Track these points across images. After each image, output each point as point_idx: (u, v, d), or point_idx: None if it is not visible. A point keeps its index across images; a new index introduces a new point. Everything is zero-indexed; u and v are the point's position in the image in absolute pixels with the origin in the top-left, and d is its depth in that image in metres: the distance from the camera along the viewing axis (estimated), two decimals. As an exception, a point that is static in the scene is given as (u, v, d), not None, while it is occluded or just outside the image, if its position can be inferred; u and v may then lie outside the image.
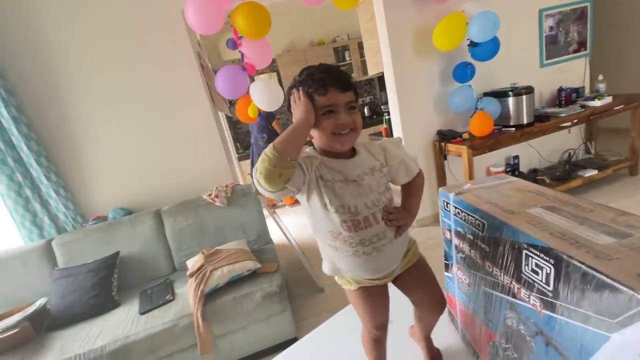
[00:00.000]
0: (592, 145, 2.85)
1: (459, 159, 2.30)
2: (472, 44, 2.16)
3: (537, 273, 0.58)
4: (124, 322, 1.53)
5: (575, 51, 2.71)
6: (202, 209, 1.99)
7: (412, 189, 0.83)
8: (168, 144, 2.17)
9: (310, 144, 0.77)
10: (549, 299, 0.56)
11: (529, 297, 0.61)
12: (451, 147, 2.29)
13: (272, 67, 4.25)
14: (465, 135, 2.29)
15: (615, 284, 0.44)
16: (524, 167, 2.76)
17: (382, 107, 4.41)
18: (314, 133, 0.70)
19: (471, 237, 0.78)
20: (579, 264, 0.49)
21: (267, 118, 3.35)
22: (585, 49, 2.73)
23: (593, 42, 2.75)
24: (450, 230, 0.89)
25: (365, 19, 2.45)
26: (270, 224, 2.28)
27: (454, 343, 0.99)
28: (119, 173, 2.14)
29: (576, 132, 2.84)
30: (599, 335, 0.48)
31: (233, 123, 4.38)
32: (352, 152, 0.74)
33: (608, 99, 2.42)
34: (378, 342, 0.83)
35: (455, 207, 0.83)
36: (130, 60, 2.02)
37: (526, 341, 0.66)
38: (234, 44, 1.95)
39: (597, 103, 2.40)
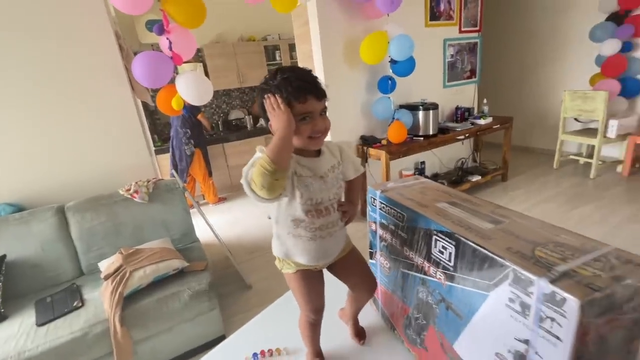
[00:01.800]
0: (478, 155, 3.49)
1: (378, 162, 2.57)
2: (393, 61, 2.44)
3: (442, 253, 0.74)
4: (16, 336, 1.30)
5: (467, 77, 3.29)
6: (118, 206, 1.80)
7: (355, 185, 0.98)
8: (78, 130, 1.90)
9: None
10: (451, 273, 0.73)
11: (436, 273, 0.78)
12: (372, 151, 2.55)
13: (198, 57, 4.02)
14: (384, 142, 2.57)
15: (492, 255, 0.61)
16: (428, 172, 3.22)
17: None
18: None
19: (393, 228, 0.93)
20: (471, 243, 0.66)
21: (192, 111, 3.17)
22: (475, 77, 3.34)
23: (481, 71, 3.38)
24: (375, 223, 1.04)
25: (298, 24, 2.54)
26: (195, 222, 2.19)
27: (374, 321, 1.14)
28: (6, 161, 1.78)
29: (467, 144, 3.43)
30: (481, 294, 0.65)
31: (149, 112, 4.00)
32: (318, 152, 0.82)
33: (490, 119, 3.01)
34: (314, 326, 0.93)
35: (381, 202, 0.97)
36: (31, 28, 1.71)
37: (432, 308, 0.83)
38: (161, 29, 1.82)
39: (482, 122, 2.95)
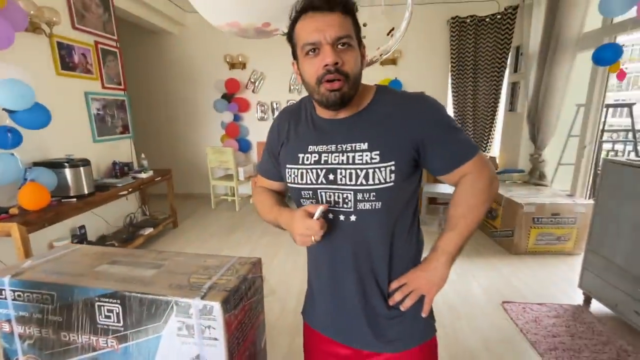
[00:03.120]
0: (147, 208, 3.50)
1: (9, 239, 1.88)
2: (9, 110, 1.92)
3: (109, 317, 0.71)
4: None
5: (121, 132, 3.25)
6: None
7: None
8: None
9: None
10: (122, 333, 0.71)
11: (107, 342, 0.72)
12: (-7, 226, 1.82)
13: None
14: (14, 210, 1.93)
15: (156, 297, 0.67)
16: (92, 236, 2.78)
17: None
18: None
19: (40, 315, 0.75)
20: (135, 294, 0.68)
21: None
22: (129, 132, 3.37)
23: (134, 127, 3.46)
24: (9, 321, 0.78)
25: None
26: None
27: None
28: None
29: (133, 199, 3.35)
30: (156, 338, 0.69)
31: None
32: None
33: (151, 172, 3.14)
34: None
35: (14, 291, 0.76)
36: None
37: (111, 383, 0.75)
38: None
39: (143, 175, 3.02)
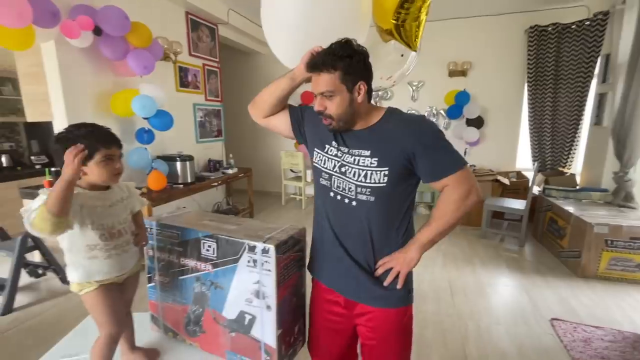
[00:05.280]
0: (230, 199, 4.18)
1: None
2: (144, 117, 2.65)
3: (209, 250, 1.12)
4: None
5: (216, 136, 3.99)
6: None
7: (139, 217, 1.19)
8: None
9: None
10: (215, 261, 1.11)
11: (206, 266, 1.13)
12: (131, 199, 2.55)
13: None
14: (144, 190, 2.65)
15: (237, 239, 1.05)
16: (190, 217, 3.50)
17: (32, 157, 3.68)
18: (93, 172, 0.90)
19: (170, 246, 1.20)
20: (225, 237, 1.08)
21: None
22: (222, 136, 4.10)
23: (226, 131, 4.19)
24: (153, 249, 1.26)
25: (27, 64, 2.21)
26: None
27: (156, 338, 1.30)
28: None
29: (220, 190, 4.05)
30: (234, 266, 1.07)
31: None
32: (107, 186, 1.00)
33: (236, 169, 3.79)
34: (114, 344, 1.01)
35: (157, 229, 1.23)
36: None
37: (205, 294, 1.16)
38: None
39: (230, 171, 3.67)
